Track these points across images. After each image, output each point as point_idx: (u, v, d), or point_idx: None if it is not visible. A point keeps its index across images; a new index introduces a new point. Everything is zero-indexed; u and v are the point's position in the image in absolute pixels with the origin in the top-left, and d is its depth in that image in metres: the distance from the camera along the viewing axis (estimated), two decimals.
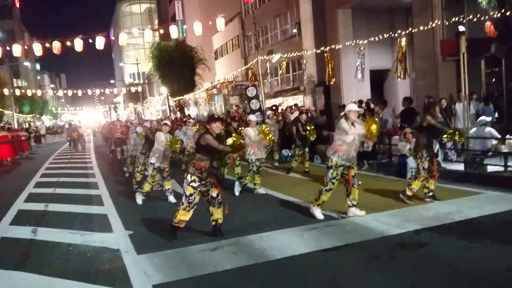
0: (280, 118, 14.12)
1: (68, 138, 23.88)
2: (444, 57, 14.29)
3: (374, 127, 5.43)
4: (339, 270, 4.10)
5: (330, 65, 15.60)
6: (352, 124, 5.62)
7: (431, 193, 6.45)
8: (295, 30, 23.07)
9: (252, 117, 8.08)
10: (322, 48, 16.83)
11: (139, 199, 7.67)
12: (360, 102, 12.37)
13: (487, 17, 8.65)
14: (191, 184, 5.10)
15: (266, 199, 7.44)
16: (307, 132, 9.37)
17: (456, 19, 10.49)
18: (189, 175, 5.13)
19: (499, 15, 7.93)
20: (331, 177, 5.67)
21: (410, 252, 4.45)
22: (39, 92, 39.38)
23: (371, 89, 20.70)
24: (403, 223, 5.36)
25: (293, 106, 15.52)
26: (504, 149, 8.72)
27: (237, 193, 7.77)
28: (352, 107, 5.77)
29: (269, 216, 6.20)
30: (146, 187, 7.67)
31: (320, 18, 21.83)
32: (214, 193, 5.19)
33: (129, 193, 8.59)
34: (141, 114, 47.59)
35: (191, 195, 5.09)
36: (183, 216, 5.15)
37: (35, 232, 6.07)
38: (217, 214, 5.27)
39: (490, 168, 8.37)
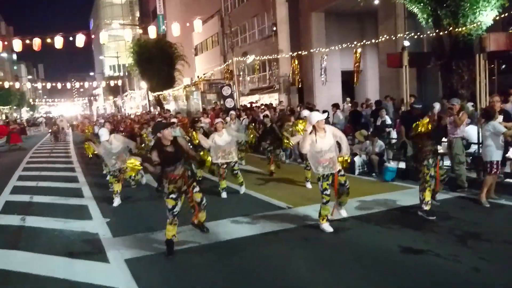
0: (245, 117, 14.74)
1: (50, 131, 24.82)
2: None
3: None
4: (275, 249, 5.20)
5: (298, 69, 16.66)
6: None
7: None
8: (273, 29, 23.97)
9: (219, 120, 8.62)
10: (299, 52, 17.77)
11: (116, 202, 7.72)
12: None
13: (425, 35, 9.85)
14: (170, 196, 5.00)
15: (232, 196, 8.09)
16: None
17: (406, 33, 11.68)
18: (165, 187, 5.02)
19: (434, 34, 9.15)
20: (322, 190, 5.63)
21: (333, 235, 5.56)
22: (17, 84, 39.26)
23: (342, 89, 21.96)
24: (336, 213, 6.46)
25: (263, 106, 16.53)
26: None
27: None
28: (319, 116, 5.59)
29: (230, 209, 7.18)
30: (116, 186, 7.80)
31: (295, 20, 22.87)
32: (198, 198, 5.24)
33: (106, 186, 9.52)
34: (121, 107, 47.91)
35: (173, 207, 4.99)
36: (172, 231, 5.07)
37: (24, 220, 6.98)
38: (203, 216, 5.47)
39: None
